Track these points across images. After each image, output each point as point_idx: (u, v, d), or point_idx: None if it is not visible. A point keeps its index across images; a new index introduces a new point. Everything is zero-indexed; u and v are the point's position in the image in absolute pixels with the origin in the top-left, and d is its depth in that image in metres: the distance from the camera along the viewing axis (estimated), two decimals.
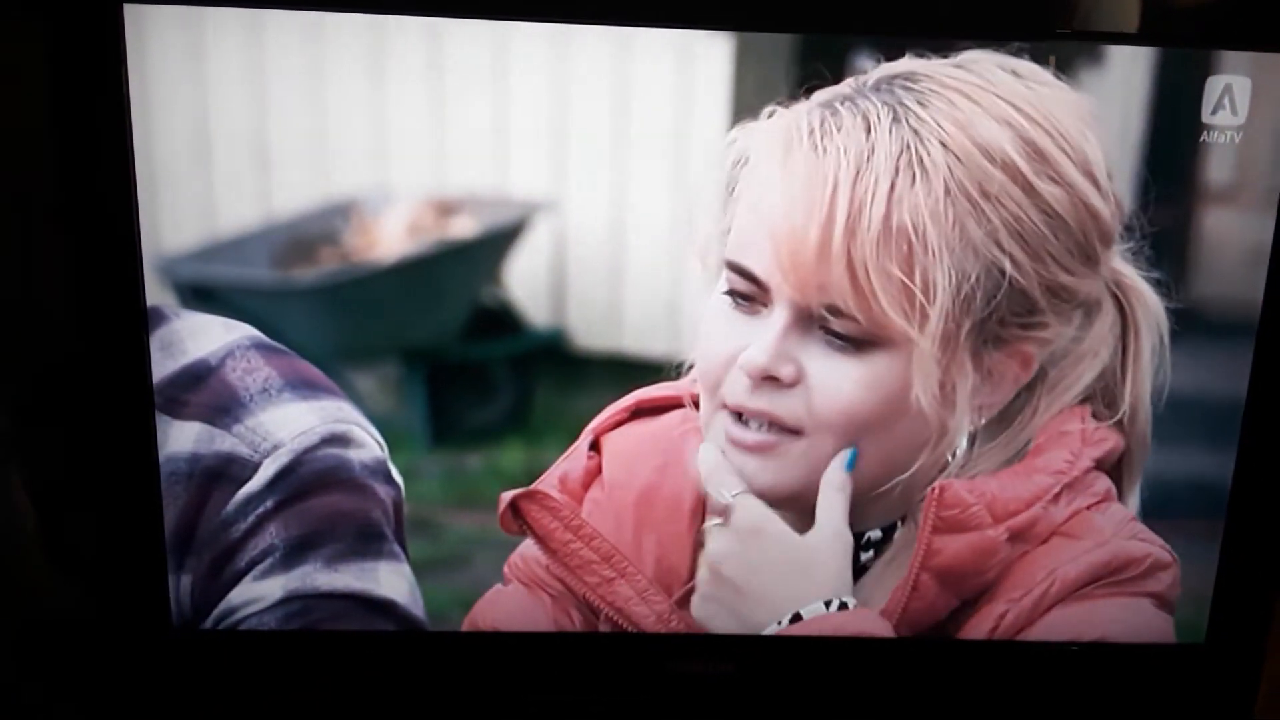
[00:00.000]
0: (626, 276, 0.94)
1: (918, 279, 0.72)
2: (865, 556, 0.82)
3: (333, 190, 0.87)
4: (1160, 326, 0.81)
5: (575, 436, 0.90)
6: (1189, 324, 0.84)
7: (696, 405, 0.85)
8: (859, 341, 0.75)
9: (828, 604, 0.79)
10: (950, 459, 0.79)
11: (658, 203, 0.91)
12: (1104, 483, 0.81)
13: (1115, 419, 0.81)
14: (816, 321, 0.75)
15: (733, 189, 0.78)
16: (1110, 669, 0.98)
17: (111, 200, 0.86)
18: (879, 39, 0.80)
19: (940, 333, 0.73)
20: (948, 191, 0.72)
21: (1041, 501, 0.79)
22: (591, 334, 0.94)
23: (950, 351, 0.74)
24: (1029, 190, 0.73)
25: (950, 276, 0.73)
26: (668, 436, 0.85)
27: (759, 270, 0.75)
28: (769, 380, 0.76)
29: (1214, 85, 0.86)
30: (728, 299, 0.78)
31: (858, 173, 0.72)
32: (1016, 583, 0.80)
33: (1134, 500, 0.83)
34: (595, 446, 0.86)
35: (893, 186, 0.72)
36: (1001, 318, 0.75)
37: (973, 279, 0.73)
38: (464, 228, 0.92)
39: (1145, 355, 0.81)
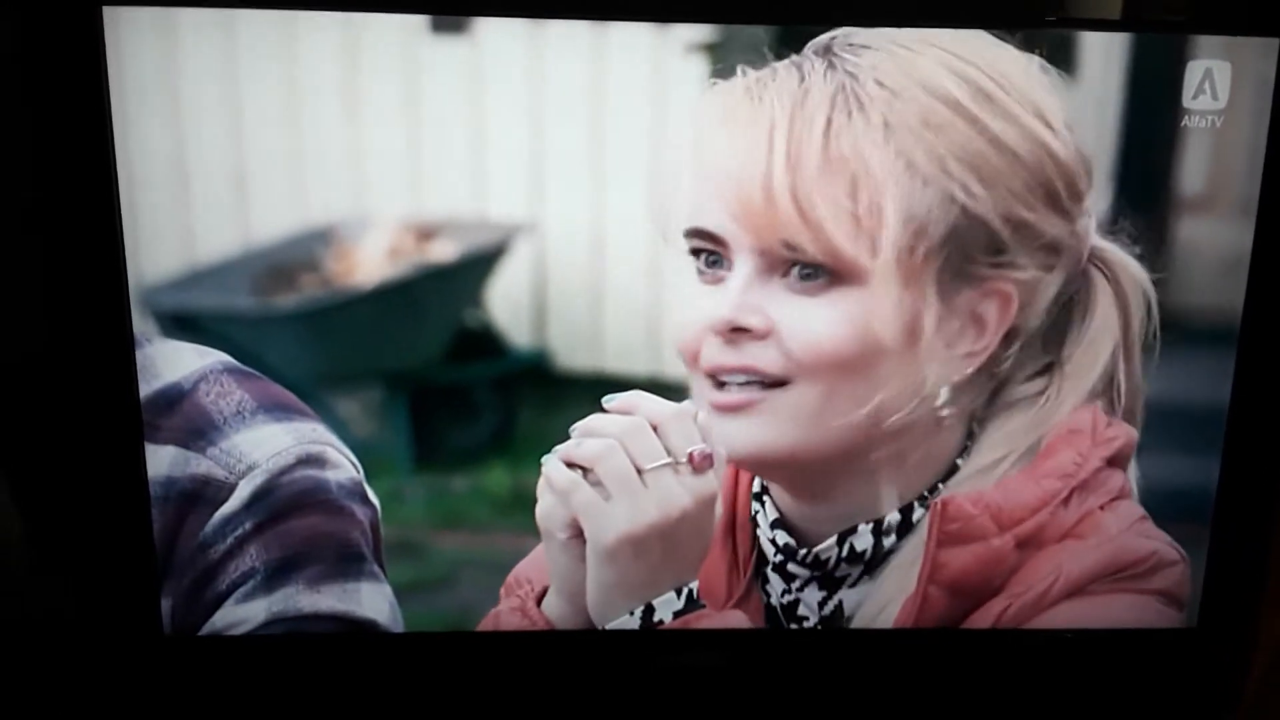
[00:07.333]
0: (607, 296, 0.94)
1: (863, 206, 0.73)
2: (888, 542, 0.80)
3: (312, 216, 0.89)
4: (1148, 294, 0.81)
5: None
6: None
7: None
8: (822, 281, 0.75)
9: (678, 591, 0.76)
10: (950, 422, 0.78)
11: (637, 222, 0.90)
12: (1117, 479, 0.80)
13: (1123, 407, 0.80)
14: (779, 269, 0.75)
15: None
16: (1103, 654, 0.98)
17: (96, 225, 0.87)
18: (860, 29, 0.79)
19: (895, 260, 0.74)
20: (887, 124, 0.73)
21: (1049, 506, 0.78)
22: (573, 354, 0.94)
23: (914, 284, 0.74)
24: (973, 121, 0.74)
25: (898, 205, 0.73)
26: None
27: (714, 226, 0.76)
28: (740, 333, 0.76)
29: (1194, 70, 0.83)
30: (694, 274, 0.78)
31: (793, 113, 0.74)
32: (1021, 579, 0.79)
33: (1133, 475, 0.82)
34: None
35: (829, 121, 0.73)
36: (966, 252, 0.75)
37: (926, 208, 0.74)
38: (444, 251, 0.93)
39: (1135, 327, 0.80)
